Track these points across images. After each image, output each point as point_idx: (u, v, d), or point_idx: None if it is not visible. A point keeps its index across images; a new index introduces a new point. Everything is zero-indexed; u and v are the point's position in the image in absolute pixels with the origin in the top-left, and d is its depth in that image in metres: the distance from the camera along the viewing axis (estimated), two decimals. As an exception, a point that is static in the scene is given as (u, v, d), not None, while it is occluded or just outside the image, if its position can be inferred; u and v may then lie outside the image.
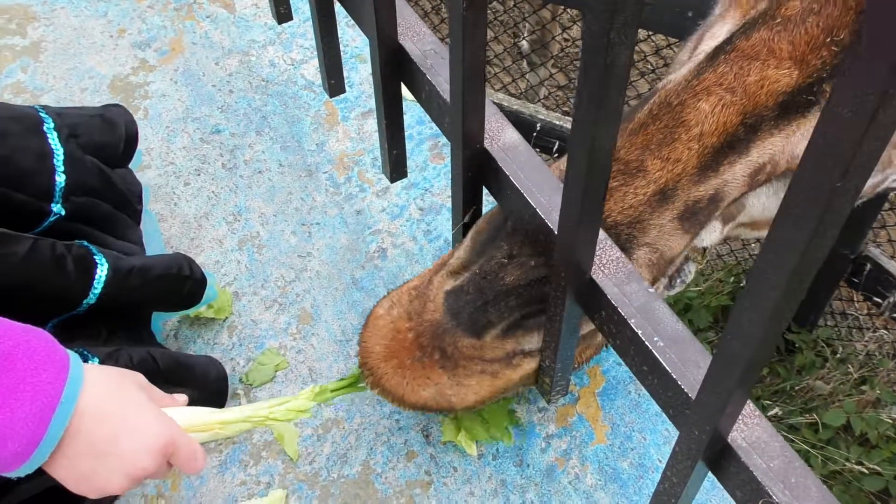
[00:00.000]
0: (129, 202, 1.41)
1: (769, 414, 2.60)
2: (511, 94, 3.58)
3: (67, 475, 0.93)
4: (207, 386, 1.43)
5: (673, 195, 1.15)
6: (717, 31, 1.26)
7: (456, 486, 1.39)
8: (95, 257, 1.26)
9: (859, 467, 2.45)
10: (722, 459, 0.92)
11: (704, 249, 1.28)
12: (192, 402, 1.42)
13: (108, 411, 0.93)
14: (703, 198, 1.16)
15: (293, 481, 1.41)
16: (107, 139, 1.42)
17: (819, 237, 0.59)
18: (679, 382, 0.95)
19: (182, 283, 1.39)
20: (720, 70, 1.14)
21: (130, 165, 1.55)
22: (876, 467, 2.45)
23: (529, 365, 1.23)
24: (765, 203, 1.23)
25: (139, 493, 1.40)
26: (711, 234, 1.24)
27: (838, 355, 2.82)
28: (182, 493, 1.40)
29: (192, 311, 1.55)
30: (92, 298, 1.25)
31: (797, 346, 2.85)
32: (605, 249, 1.06)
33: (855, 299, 3.08)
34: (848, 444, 2.58)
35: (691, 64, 1.21)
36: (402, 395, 1.21)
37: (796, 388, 2.77)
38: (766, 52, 1.12)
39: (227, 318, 1.60)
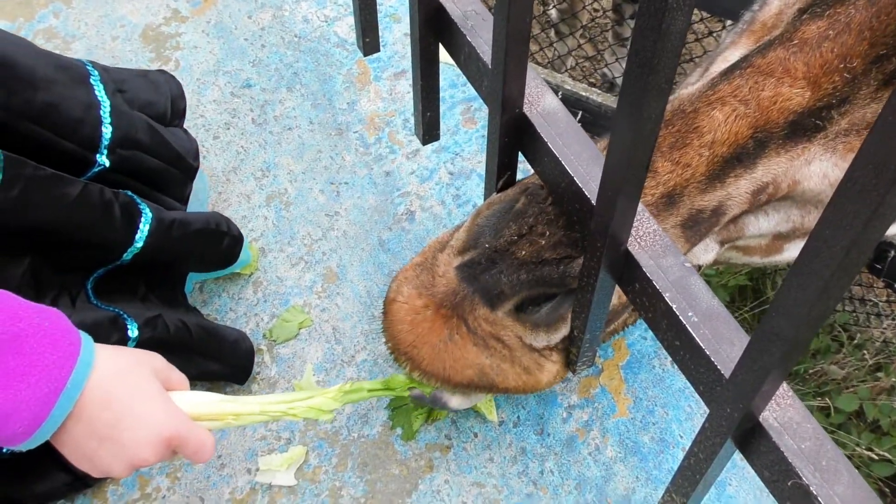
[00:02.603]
0: (181, 158, 1.41)
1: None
2: (537, 63, 3.54)
3: (70, 453, 0.94)
4: (236, 360, 1.44)
5: (679, 201, 1.14)
6: (729, 56, 1.28)
7: (475, 451, 1.39)
8: (140, 206, 1.27)
9: (869, 453, 2.45)
10: (752, 438, 0.91)
11: (699, 268, 1.27)
12: (217, 376, 1.43)
13: (114, 398, 0.93)
14: (706, 208, 1.16)
15: (313, 439, 1.41)
16: (152, 97, 1.42)
17: (882, 212, 0.58)
18: (712, 359, 0.93)
19: (220, 239, 1.40)
20: (735, 83, 1.15)
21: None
22: (886, 454, 2.44)
23: (552, 365, 1.22)
24: (760, 227, 1.24)
25: (160, 442, 1.41)
26: (707, 254, 1.24)
27: (855, 341, 2.80)
28: (203, 445, 1.40)
29: (225, 273, 1.56)
30: (136, 247, 1.25)
31: (813, 329, 2.83)
32: (643, 222, 1.04)
33: (875, 286, 3.06)
34: (859, 430, 2.58)
35: (704, 80, 1.21)
36: (448, 378, 1.18)
37: (810, 371, 2.76)
38: (782, 70, 1.13)
39: (252, 273, 1.60)
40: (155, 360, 1.02)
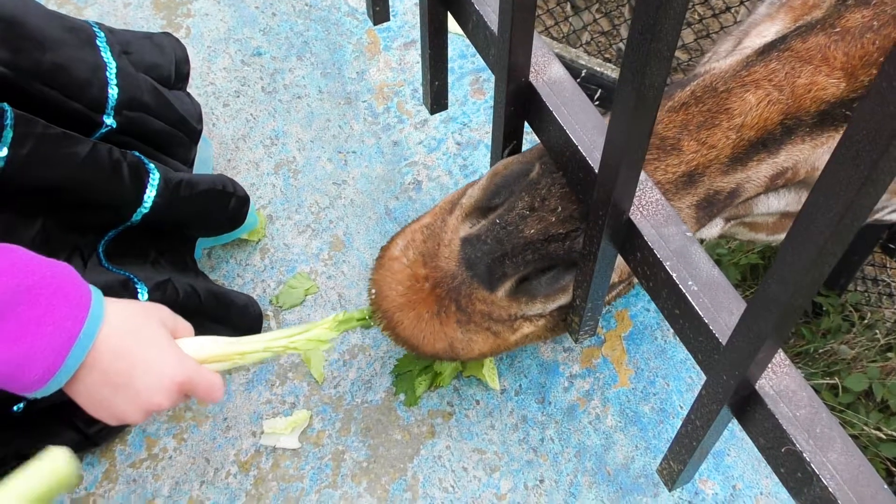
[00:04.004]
0: (185, 121, 1.42)
1: (791, 374, 2.60)
2: (553, 38, 3.52)
3: (85, 401, 0.98)
4: (244, 325, 1.46)
5: (699, 181, 1.14)
6: (764, 31, 1.25)
7: (477, 418, 1.40)
8: (147, 166, 1.28)
9: (877, 433, 2.45)
10: (748, 406, 0.92)
11: (701, 241, 1.26)
12: None
13: (126, 348, 0.97)
14: (724, 190, 1.15)
15: (318, 403, 1.43)
16: (157, 60, 1.43)
17: (873, 182, 0.58)
18: (710, 327, 0.94)
19: (227, 200, 1.41)
20: (772, 66, 1.13)
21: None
22: (894, 433, 2.45)
23: (528, 329, 1.23)
24: (770, 205, 1.24)
25: (167, 404, 1.43)
26: (711, 229, 1.25)
27: (866, 321, 2.80)
28: (209, 408, 1.43)
29: (232, 238, 1.57)
30: (145, 207, 1.26)
31: (825, 309, 2.83)
32: (645, 191, 1.05)
33: (888, 265, 3.05)
34: (868, 410, 2.58)
35: (739, 56, 1.19)
36: (417, 346, 1.20)
37: (820, 350, 2.76)
38: (821, 57, 1.11)
39: (260, 240, 1.62)
40: (161, 311, 1.06)
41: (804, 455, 0.86)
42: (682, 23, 0.77)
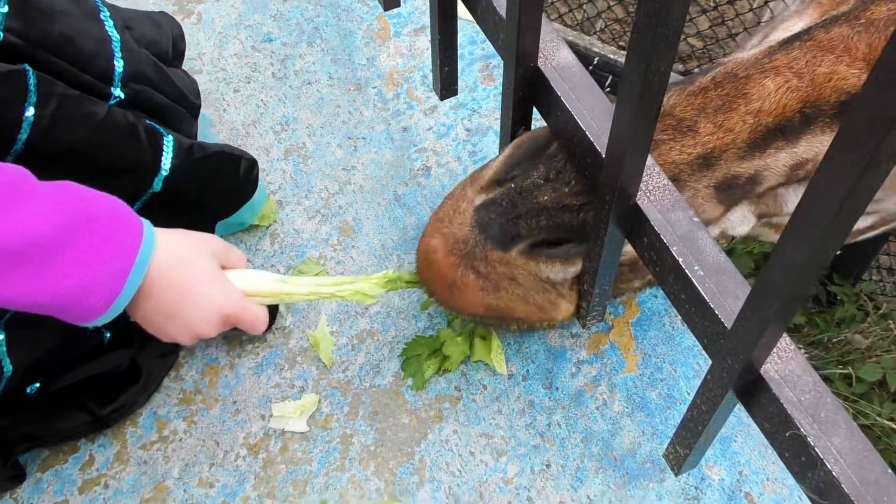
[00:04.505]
0: (185, 96, 1.43)
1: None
2: (567, 25, 3.50)
3: (142, 323, 1.07)
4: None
5: (716, 164, 1.14)
6: (791, 26, 1.26)
7: (484, 403, 1.41)
8: (160, 130, 1.29)
9: (890, 423, 2.44)
10: (753, 391, 0.92)
11: (731, 238, 1.27)
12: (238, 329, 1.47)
13: (177, 280, 1.04)
14: (742, 175, 1.15)
15: (326, 387, 1.44)
16: (156, 37, 1.44)
17: (874, 167, 0.58)
18: (716, 312, 0.95)
19: (236, 162, 1.41)
20: (793, 54, 1.13)
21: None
22: (907, 424, 2.44)
23: (555, 296, 1.25)
24: (794, 202, 1.23)
25: (178, 387, 1.44)
26: (743, 225, 1.25)
27: (881, 311, 2.79)
28: (218, 391, 1.44)
29: (245, 226, 1.59)
30: (165, 170, 1.27)
31: (839, 298, 2.82)
32: (652, 176, 1.05)
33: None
34: (881, 400, 2.57)
35: (762, 47, 1.19)
36: (460, 310, 1.26)
37: (834, 340, 2.75)
38: (843, 48, 1.11)
39: (270, 225, 1.62)
40: (213, 242, 1.11)
41: (808, 439, 0.86)
42: (688, 7, 0.77)
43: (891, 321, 2.78)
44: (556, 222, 1.16)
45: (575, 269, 1.20)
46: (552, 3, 3.59)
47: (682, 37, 3.72)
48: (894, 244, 2.99)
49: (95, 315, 0.97)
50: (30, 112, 1.09)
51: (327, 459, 1.37)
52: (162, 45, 1.45)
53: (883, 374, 2.62)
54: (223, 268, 1.14)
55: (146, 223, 1.03)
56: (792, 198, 1.22)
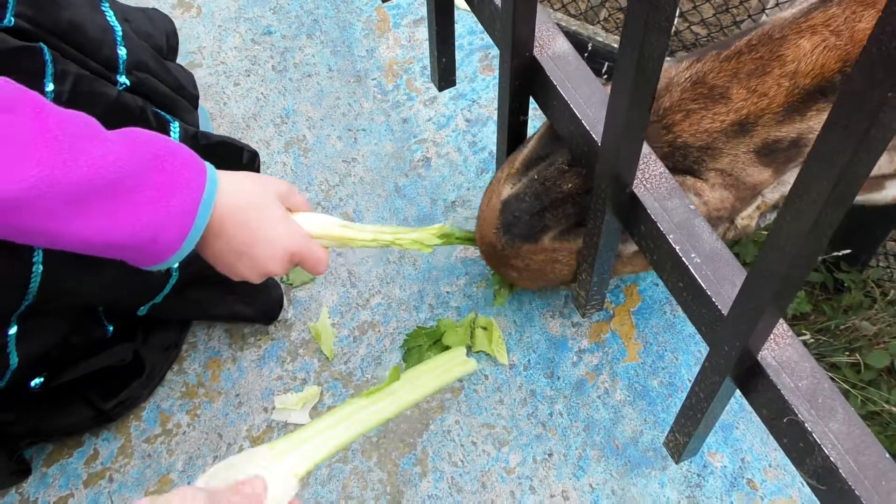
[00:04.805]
0: (184, 87, 1.44)
1: (812, 350, 2.59)
2: (570, 14, 3.49)
3: (215, 264, 1.09)
4: (267, 307, 1.48)
5: (752, 129, 1.12)
6: None
7: (486, 393, 1.41)
8: (166, 116, 1.30)
9: (898, 409, 2.44)
10: (751, 377, 0.93)
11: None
12: (245, 317, 1.47)
13: (246, 220, 1.07)
14: (784, 139, 1.13)
15: (328, 379, 1.44)
16: (151, 31, 1.45)
17: (864, 151, 0.58)
18: (713, 299, 0.95)
19: (239, 152, 1.42)
20: (831, 11, 1.10)
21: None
22: (915, 411, 2.43)
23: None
24: None
25: (181, 380, 1.45)
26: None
27: (888, 297, 2.77)
28: (221, 384, 1.44)
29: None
30: None
31: (846, 285, 2.81)
32: (649, 164, 1.05)
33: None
34: (890, 387, 2.56)
35: (803, 4, 1.16)
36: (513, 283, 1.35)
37: (841, 327, 2.74)
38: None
39: (270, 218, 1.63)
40: (279, 184, 1.13)
41: (806, 425, 0.86)
42: (679, -7, 0.76)
43: (898, 307, 2.76)
44: (583, 207, 1.17)
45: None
46: (554, -8, 3.57)
47: (687, 25, 3.71)
48: (902, 229, 2.97)
49: (168, 254, 0.99)
50: (49, 87, 1.11)
51: (330, 451, 1.37)
52: (157, 38, 1.46)
53: (891, 360, 2.61)
54: (288, 210, 1.17)
55: (209, 164, 1.05)
56: None
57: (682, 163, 1.13)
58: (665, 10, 0.76)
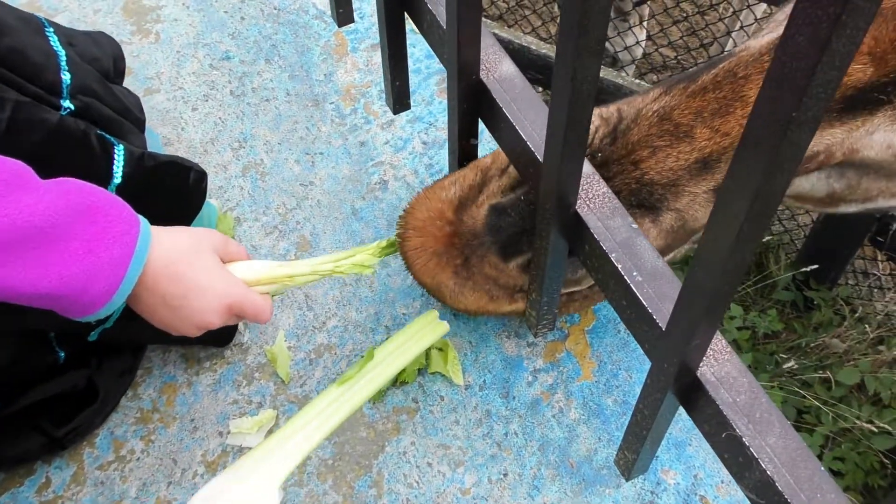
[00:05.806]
0: (129, 110, 1.44)
1: (784, 367, 2.61)
2: (541, 38, 3.54)
3: (149, 318, 1.10)
4: (220, 329, 1.47)
5: (714, 167, 1.13)
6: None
7: (442, 414, 1.42)
8: (110, 139, 1.29)
9: (869, 426, 2.46)
10: (691, 393, 0.94)
11: None
12: (199, 340, 1.46)
13: (179, 273, 1.06)
14: None
15: (284, 402, 1.44)
16: (98, 55, 1.45)
17: (776, 169, 0.60)
18: (654, 316, 0.96)
19: (186, 173, 1.42)
20: None
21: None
22: (886, 426, 2.45)
23: (523, 304, 1.30)
24: (813, 183, 1.22)
25: (135, 406, 1.44)
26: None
27: (857, 314, 2.81)
28: (176, 409, 1.44)
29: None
30: (117, 178, 1.27)
31: (816, 303, 2.84)
32: (592, 184, 1.07)
33: (878, 259, 3.06)
34: (860, 403, 2.59)
35: (772, 35, 1.17)
36: (411, 267, 1.29)
37: (812, 344, 2.77)
38: None
39: (227, 242, 1.62)
40: (211, 235, 1.13)
41: (744, 440, 0.88)
42: (608, 18, 0.78)
43: (867, 324, 2.80)
44: None
45: (565, 289, 1.26)
46: (525, 16, 3.63)
47: (655, 48, 3.76)
48: (869, 248, 3.02)
49: (98, 305, 0.99)
50: None
51: (285, 474, 1.36)
52: (103, 62, 1.46)
53: (861, 377, 2.64)
54: (224, 261, 1.17)
55: (142, 218, 1.05)
56: (798, 182, 1.20)
57: (648, 200, 1.14)
58: (594, 33, 0.78)
